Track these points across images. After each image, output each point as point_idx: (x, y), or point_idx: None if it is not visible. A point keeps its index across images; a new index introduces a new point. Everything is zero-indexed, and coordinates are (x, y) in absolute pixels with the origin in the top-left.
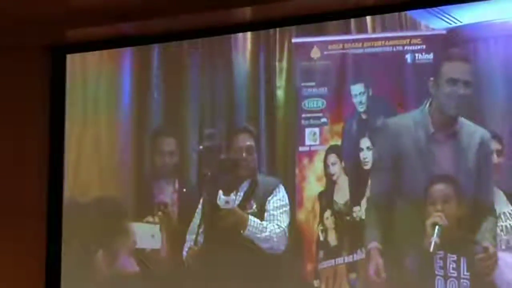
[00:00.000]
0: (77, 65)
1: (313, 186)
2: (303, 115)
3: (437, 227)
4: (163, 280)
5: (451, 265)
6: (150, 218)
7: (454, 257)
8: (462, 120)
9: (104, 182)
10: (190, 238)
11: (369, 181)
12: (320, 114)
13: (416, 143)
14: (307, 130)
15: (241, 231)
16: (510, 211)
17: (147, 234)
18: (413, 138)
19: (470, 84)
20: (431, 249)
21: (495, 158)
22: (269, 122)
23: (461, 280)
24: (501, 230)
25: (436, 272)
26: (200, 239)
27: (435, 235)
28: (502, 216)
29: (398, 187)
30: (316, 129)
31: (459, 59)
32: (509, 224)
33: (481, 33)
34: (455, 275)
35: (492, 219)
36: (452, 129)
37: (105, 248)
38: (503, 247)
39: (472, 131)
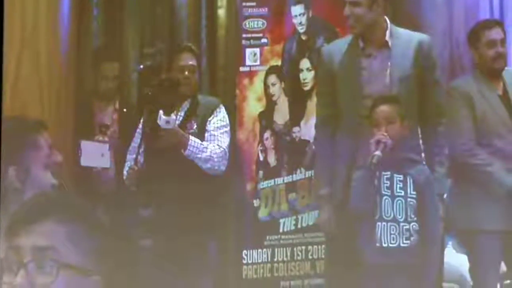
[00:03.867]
0: None
1: (253, 106)
2: (244, 35)
3: (381, 143)
4: (106, 199)
5: (397, 185)
6: (100, 137)
7: (401, 177)
8: (394, 29)
9: (44, 102)
10: (130, 158)
11: (308, 102)
12: (261, 35)
13: (348, 62)
14: (248, 50)
15: (182, 151)
16: None
17: (96, 153)
18: (346, 58)
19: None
20: (374, 161)
21: None
22: (210, 42)
23: (408, 199)
24: None
25: (383, 192)
26: (140, 159)
27: (378, 150)
28: None
29: (339, 109)
30: (257, 50)
31: None
32: None
33: None
34: (402, 194)
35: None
36: (382, 40)
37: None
38: None
39: (407, 39)
